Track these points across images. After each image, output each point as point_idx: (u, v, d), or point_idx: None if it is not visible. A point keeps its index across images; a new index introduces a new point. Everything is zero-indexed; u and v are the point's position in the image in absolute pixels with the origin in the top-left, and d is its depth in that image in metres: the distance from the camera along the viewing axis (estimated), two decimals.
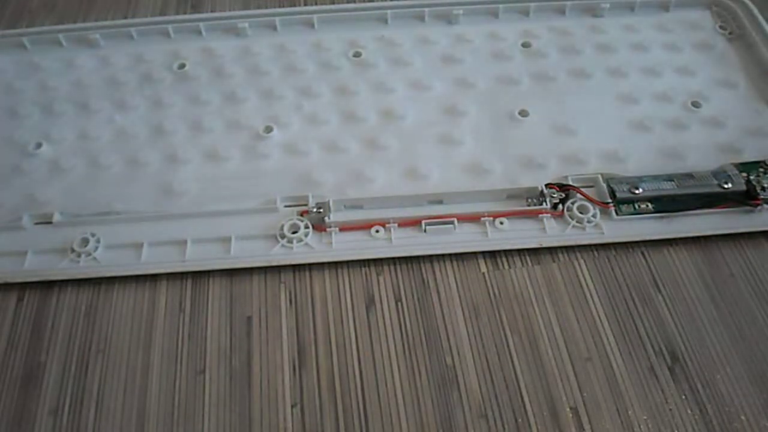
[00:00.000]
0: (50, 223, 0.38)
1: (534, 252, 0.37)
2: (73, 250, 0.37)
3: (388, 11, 0.47)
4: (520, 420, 0.31)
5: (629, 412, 0.31)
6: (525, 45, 0.46)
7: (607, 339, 0.34)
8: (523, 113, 0.42)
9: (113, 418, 0.32)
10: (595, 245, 0.37)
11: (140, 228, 0.38)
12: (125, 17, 0.50)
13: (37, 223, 0.38)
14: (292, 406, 0.32)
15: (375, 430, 0.31)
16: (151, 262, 0.36)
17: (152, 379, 0.33)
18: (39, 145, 0.42)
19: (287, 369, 0.33)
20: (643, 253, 0.37)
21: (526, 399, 0.32)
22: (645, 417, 0.31)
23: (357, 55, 0.46)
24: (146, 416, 0.32)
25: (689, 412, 0.31)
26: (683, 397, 0.32)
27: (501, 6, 0.47)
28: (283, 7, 0.49)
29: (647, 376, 0.32)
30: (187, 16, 0.48)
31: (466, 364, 0.33)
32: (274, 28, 0.47)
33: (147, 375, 0.33)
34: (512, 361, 0.33)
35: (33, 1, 0.52)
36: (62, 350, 0.34)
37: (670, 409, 0.31)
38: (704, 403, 0.31)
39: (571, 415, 0.31)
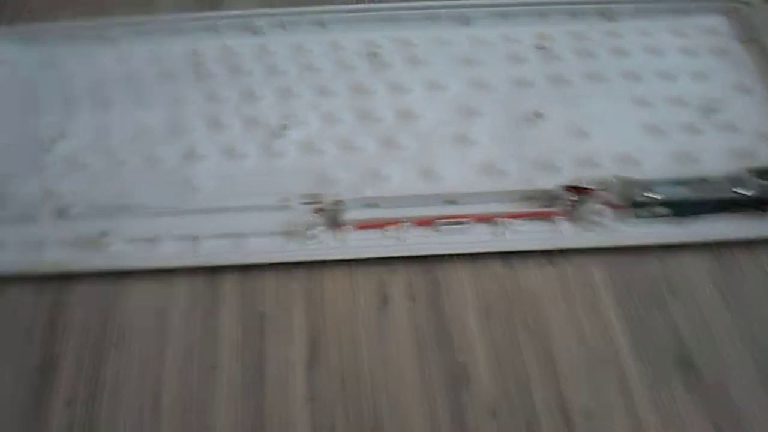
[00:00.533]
0: (68, 216, 0.38)
1: (548, 254, 0.37)
2: (89, 244, 0.37)
3: (404, 12, 0.47)
4: (531, 422, 0.31)
5: (641, 417, 0.31)
6: (540, 47, 0.46)
7: (620, 343, 0.34)
8: (538, 115, 0.42)
9: (128, 410, 0.32)
10: (609, 248, 0.37)
11: (156, 222, 0.38)
12: (144, 14, 0.50)
13: (54, 217, 0.38)
14: (305, 402, 0.32)
15: (386, 428, 0.31)
16: (167, 256, 0.37)
17: (166, 372, 0.33)
18: (57, 140, 0.42)
19: (300, 365, 0.33)
20: (657, 257, 0.37)
21: (537, 400, 0.32)
22: (656, 422, 0.31)
23: (373, 54, 0.46)
24: (160, 410, 0.32)
25: (701, 418, 0.31)
26: (696, 403, 0.32)
27: (516, 8, 0.47)
28: (300, 6, 0.49)
29: (660, 380, 0.32)
30: (205, 14, 0.48)
31: (478, 364, 0.33)
32: (291, 26, 0.48)
33: (161, 368, 0.33)
34: (524, 362, 0.33)
35: None
36: (78, 342, 0.35)
37: (683, 415, 0.31)
38: (717, 409, 0.31)
39: (582, 418, 0.31)
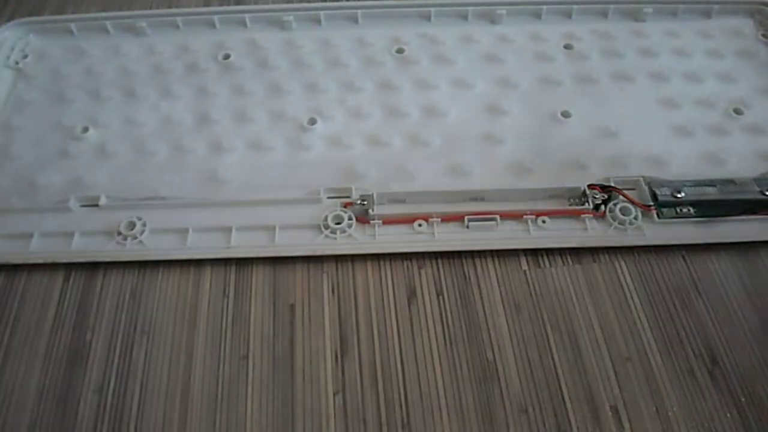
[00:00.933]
0: (96, 206, 0.39)
1: (575, 252, 0.37)
2: (119, 233, 0.37)
3: (432, 9, 0.48)
4: (560, 416, 0.31)
5: (668, 413, 0.31)
6: (567, 47, 0.46)
7: (647, 340, 0.34)
8: (565, 114, 0.42)
9: (157, 398, 0.32)
10: (636, 247, 0.37)
11: (186, 214, 0.38)
12: (170, 7, 0.50)
13: (83, 206, 0.39)
14: (335, 394, 0.32)
15: (416, 420, 0.31)
16: (196, 247, 0.37)
17: (196, 362, 0.34)
18: (86, 129, 0.42)
19: (329, 357, 0.33)
20: (683, 257, 0.37)
21: (566, 396, 0.32)
22: (684, 417, 0.31)
23: (400, 51, 0.46)
24: (190, 398, 0.32)
25: (728, 415, 0.31)
26: (722, 400, 0.32)
27: (544, 7, 0.48)
28: (328, 1, 0.49)
29: (687, 377, 0.32)
30: (232, 8, 0.49)
31: (507, 359, 0.33)
32: (319, 21, 0.48)
33: (191, 358, 0.34)
34: (553, 359, 0.33)
35: None
36: (107, 330, 0.35)
37: (709, 412, 0.31)
38: (743, 406, 0.32)
39: (610, 413, 0.31)
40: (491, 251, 0.37)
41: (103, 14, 0.48)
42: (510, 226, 0.37)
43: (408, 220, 0.37)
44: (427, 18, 0.48)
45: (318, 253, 0.36)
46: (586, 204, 0.38)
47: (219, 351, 0.34)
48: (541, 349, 0.33)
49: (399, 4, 0.48)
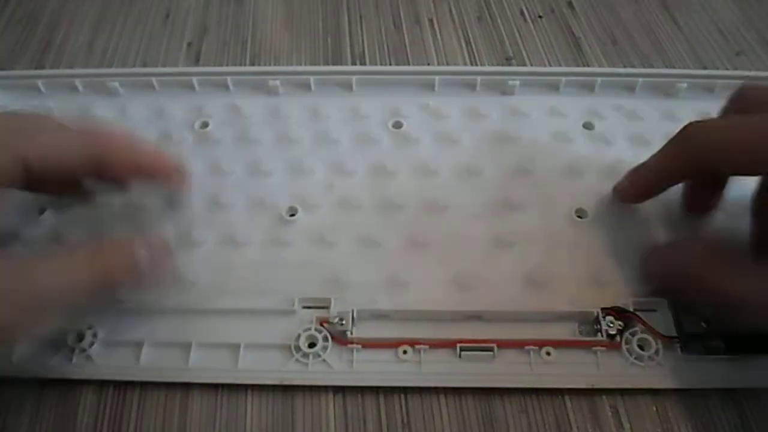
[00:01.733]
0: None
1: (587, 391, 0.32)
2: (66, 345, 0.33)
3: (436, 77, 0.42)
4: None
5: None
6: (587, 126, 0.41)
7: None
8: (582, 214, 0.37)
9: None
10: (657, 390, 0.32)
11: (142, 322, 0.34)
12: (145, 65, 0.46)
13: None
14: None
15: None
16: (151, 366, 0.32)
17: None
18: (42, 211, 0.38)
19: None
20: (718, 404, 0.31)
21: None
22: None
23: (398, 125, 0.41)
24: None
25: None
26: None
27: (563, 78, 0.42)
28: (320, 65, 0.44)
29: None
30: (214, 69, 0.44)
31: None
32: (309, 87, 0.43)
33: None
34: None
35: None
36: None
37: None
38: None
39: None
40: (483, 389, 0.32)
41: (73, 71, 0.44)
42: (509, 357, 0.32)
43: (392, 344, 0.33)
44: (431, 87, 0.43)
45: (286, 382, 0.32)
46: (599, 334, 0.32)
47: None
48: None
49: (399, 71, 0.43)
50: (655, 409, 0.31)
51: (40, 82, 0.43)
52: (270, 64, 0.46)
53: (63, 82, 0.43)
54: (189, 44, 0.47)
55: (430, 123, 0.41)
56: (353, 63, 0.46)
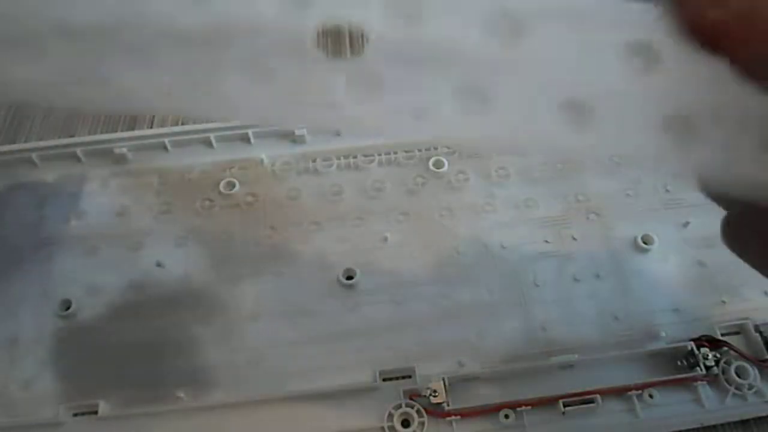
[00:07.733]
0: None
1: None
2: None
3: None
4: None
5: None
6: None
7: None
8: (648, 240, 0.36)
9: None
10: (762, 418, 0.31)
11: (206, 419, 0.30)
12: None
13: None
14: None
15: None
16: None
17: None
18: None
19: None
20: None
21: None
22: None
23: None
24: None
25: None
26: None
27: None
28: None
29: None
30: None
31: None
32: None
33: None
34: None
35: None
36: None
37: None
38: None
39: None
40: None
41: None
42: (612, 406, 0.31)
43: (492, 410, 0.31)
44: None
45: None
46: (698, 368, 0.31)
47: None
48: None
49: None
50: None
51: None
52: None
53: None
54: None
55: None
56: None
